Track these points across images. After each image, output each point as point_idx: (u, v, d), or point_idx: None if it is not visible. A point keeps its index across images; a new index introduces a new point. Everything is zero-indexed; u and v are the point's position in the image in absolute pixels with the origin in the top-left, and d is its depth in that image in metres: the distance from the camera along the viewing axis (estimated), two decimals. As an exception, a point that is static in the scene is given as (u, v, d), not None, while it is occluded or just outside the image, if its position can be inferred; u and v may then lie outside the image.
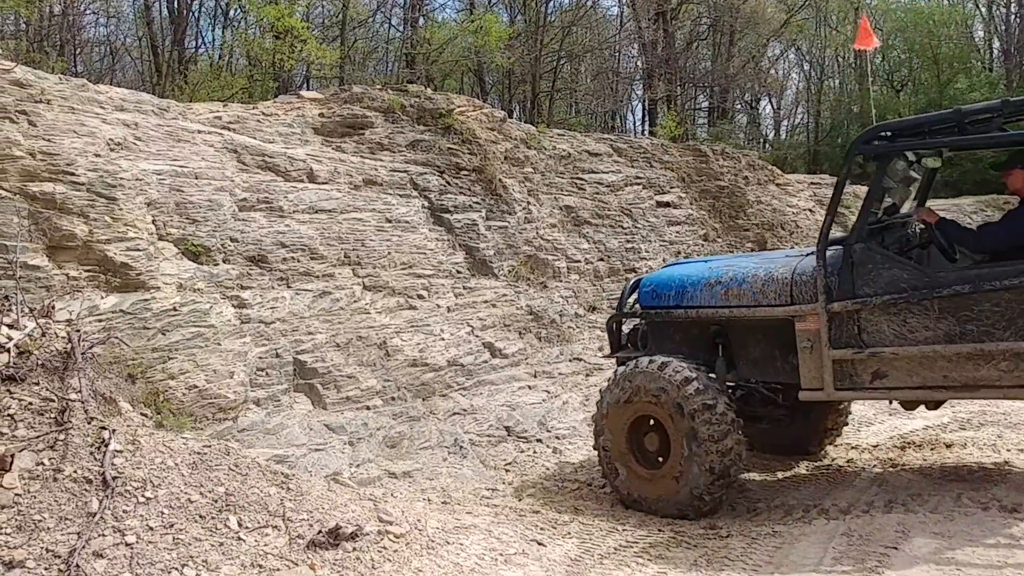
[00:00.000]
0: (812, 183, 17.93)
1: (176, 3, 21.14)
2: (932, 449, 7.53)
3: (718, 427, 6.11)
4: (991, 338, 5.49)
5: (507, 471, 7.35)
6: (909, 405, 6.62)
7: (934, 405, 6.55)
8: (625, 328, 7.49)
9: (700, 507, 6.18)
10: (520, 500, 6.74)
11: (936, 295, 5.62)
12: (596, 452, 6.75)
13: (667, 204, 13.46)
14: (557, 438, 8.00)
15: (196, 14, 22.71)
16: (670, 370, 6.29)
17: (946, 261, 6.03)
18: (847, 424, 7.93)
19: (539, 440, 7.91)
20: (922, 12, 30.38)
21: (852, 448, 7.84)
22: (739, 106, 33.24)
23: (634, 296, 7.38)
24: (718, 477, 6.12)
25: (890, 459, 7.39)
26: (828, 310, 5.95)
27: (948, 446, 7.53)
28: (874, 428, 8.51)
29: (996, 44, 30.35)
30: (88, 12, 22.73)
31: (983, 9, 31.19)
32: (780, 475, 7.28)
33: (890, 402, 6.93)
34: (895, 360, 5.80)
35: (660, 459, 6.39)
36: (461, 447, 7.45)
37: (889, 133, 6.20)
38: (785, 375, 6.39)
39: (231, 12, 22.78)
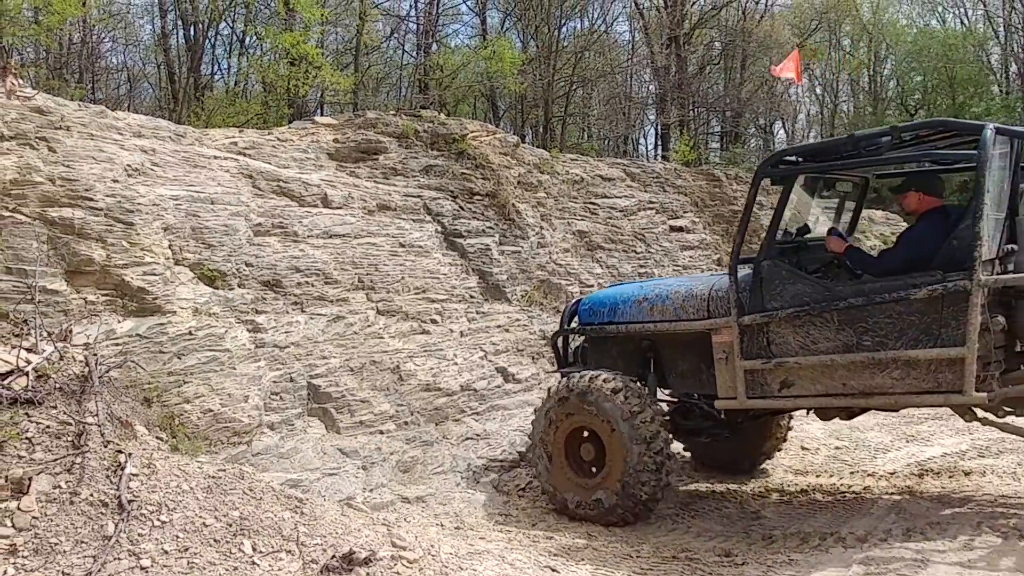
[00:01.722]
0: (826, 208, 17.89)
1: (193, 31, 21.36)
2: (951, 477, 7.47)
3: (647, 431, 6.49)
4: (884, 348, 5.84)
5: (520, 496, 7.32)
6: (824, 415, 6.85)
7: (847, 415, 6.80)
8: (573, 346, 7.91)
9: (635, 510, 6.56)
10: (533, 526, 6.72)
11: (834, 307, 5.99)
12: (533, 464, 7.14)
13: (680, 229, 13.46)
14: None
15: (212, 41, 22.95)
16: (599, 382, 6.69)
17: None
18: (786, 441, 8.22)
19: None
20: (936, 35, 30.42)
21: (869, 475, 7.79)
22: (752, 130, 33.30)
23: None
24: (650, 479, 6.48)
25: (908, 487, 7.34)
26: (739, 323, 6.33)
27: (967, 474, 7.47)
28: (891, 455, 8.45)
29: (1012, 67, 30.31)
30: (107, 40, 23.04)
31: (999, 32, 31.20)
32: (795, 502, 7.23)
33: (807, 412, 7.18)
34: (800, 369, 6.17)
35: (595, 469, 6.76)
36: (474, 472, 7.43)
37: (793, 157, 6.71)
38: (708, 387, 6.73)
39: (247, 39, 23.00)
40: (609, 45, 29.60)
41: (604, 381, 6.71)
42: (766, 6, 30.08)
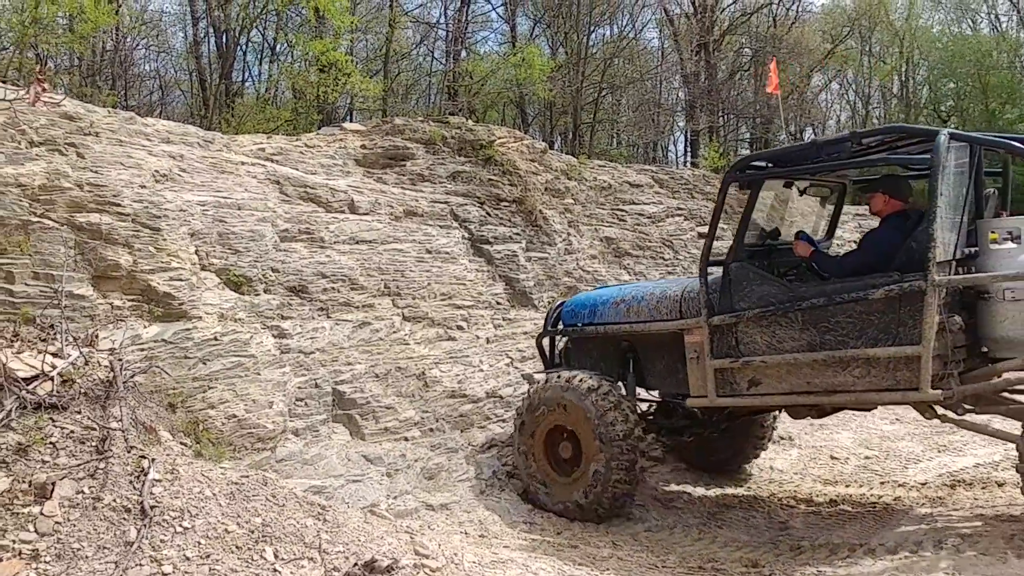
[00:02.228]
0: (857, 214, 17.70)
1: (224, 38, 21.53)
2: (983, 488, 7.34)
3: (620, 429, 6.75)
4: (845, 347, 6.02)
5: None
6: (794, 413, 7.09)
7: (818, 414, 7.07)
8: (559, 347, 8.19)
9: (609, 507, 6.83)
10: (558, 534, 6.67)
11: (798, 308, 6.20)
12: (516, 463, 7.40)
13: (709, 235, 13.33)
14: (596, 471, 7.89)
15: (243, 49, 23.13)
16: (576, 381, 7.01)
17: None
18: (771, 441, 8.47)
19: (578, 473, 7.81)
20: (969, 42, 30.01)
21: (899, 486, 7.67)
22: (782, 137, 33.04)
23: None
24: (623, 477, 6.75)
25: (939, 498, 7.22)
26: (709, 323, 6.57)
27: (1000, 484, 7.33)
28: (922, 465, 8.31)
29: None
30: (139, 47, 23.29)
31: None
32: (824, 512, 7.12)
33: (780, 411, 7.51)
34: (766, 368, 6.39)
35: (572, 466, 7.02)
36: (499, 479, 7.39)
37: (760, 163, 6.92)
38: (683, 386, 6.93)
39: (277, 47, 23.16)
40: (638, 52, 29.54)
41: (580, 381, 7.00)
42: (797, 12, 29.83)
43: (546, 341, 8.21)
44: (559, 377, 7.20)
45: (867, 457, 8.75)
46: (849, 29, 30.28)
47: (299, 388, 6.94)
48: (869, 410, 7.26)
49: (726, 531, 6.87)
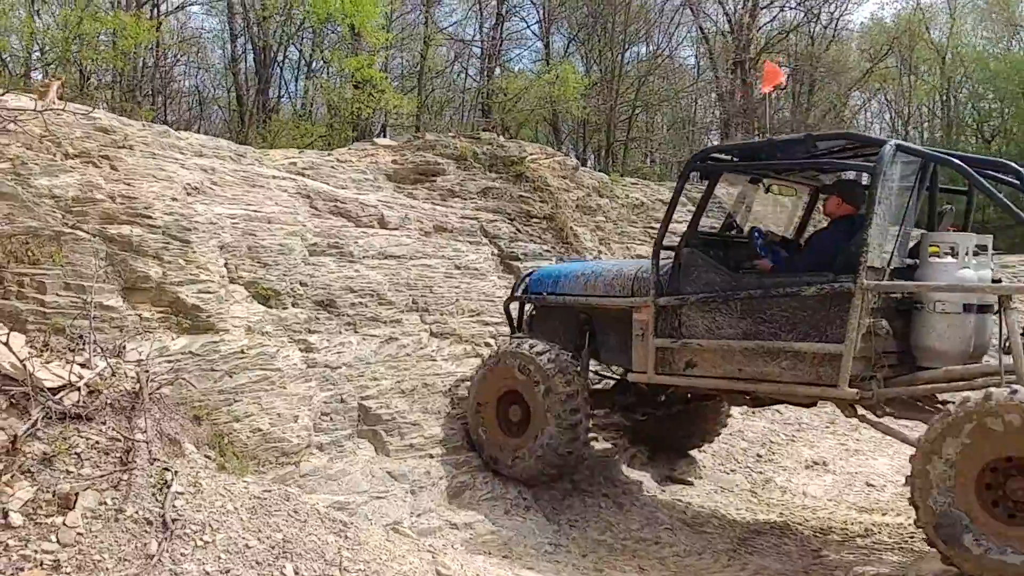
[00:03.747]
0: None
1: (262, 55, 21.79)
2: None
3: (568, 389, 7.00)
4: (776, 338, 6.24)
5: (572, 526, 7.16)
6: (731, 400, 7.47)
7: (753, 403, 7.37)
8: (527, 315, 8.38)
9: (553, 470, 7.14)
10: (584, 556, 6.57)
11: (738, 297, 6.42)
12: (469, 428, 7.61)
13: (743, 254, 13.20)
14: (623, 493, 7.78)
15: (280, 65, 23.38)
16: (526, 346, 7.27)
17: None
18: (725, 426, 8.67)
19: (604, 495, 7.70)
20: (1015, 60, 29.58)
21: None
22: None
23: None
24: (568, 442, 6.99)
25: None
26: (656, 303, 6.81)
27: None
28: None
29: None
30: (179, 63, 23.62)
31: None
32: (860, 542, 6.97)
33: (723, 400, 7.79)
34: (703, 351, 6.62)
35: (520, 430, 7.27)
36: (524, 499, 7.29)
37: (721, 155, 7.26)
38: (631, 362, 7.14)
39: (313, 63, 23.38)
40: (673, 70, 29.45)
41: (531, 347, 7.24)
42: (835, 30, 29.59)
43: (515, 308, 8.37)
44: (512, 343, 7.50)
45: (905, 484, 8.55)
46: (889, 47, 29.96)
47: (325, 403, 6.92)
48: (801, 405, 7.46)
49: (756, 558, 6.73)
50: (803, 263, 6.53)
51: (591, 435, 7.63)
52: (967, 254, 6.06)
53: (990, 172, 6.44)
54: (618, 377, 8.03)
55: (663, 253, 7.04)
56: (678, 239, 7.01)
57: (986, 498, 5.24)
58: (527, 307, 8.32)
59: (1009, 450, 5.13)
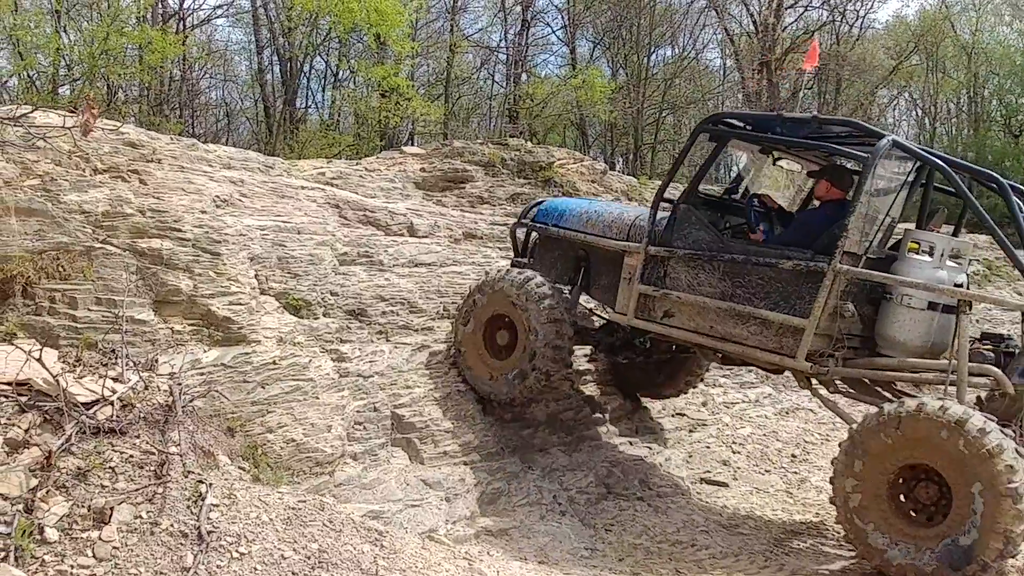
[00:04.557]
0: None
1: (289, 66, 21.91)
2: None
3: (554, 323, 7.29)
4: (749, 304, 6.59)
5: (608, 531, 7.10)
6: (703, 354, 7.76)
7: (723, 360, 7.64)
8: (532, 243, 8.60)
9: (534, 391, 7.47)
10: (620, 560, 6.50)
11: (722, 259, 6.72)
12: (453, 346, 7.93)
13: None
14: (659, 496, 7.71)
15: (307, 76, 23.51)
16: (520, 276, 7.54)
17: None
18: (702, 380, 9.00)
19: (640, 498, 7.63)
20: (1042, 54, 29.15)
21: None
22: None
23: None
24: (551, 366, 7.33)
25: None
26: (646, 251, 7.10)
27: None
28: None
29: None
30: (206, 76, 23.81)
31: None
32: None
33: (673, 347, 8.10)
34: (680, 304, 6.97)
35: (506, 353, 7.60)
36: (559, 504, 7.24)
37: (732, 121, 7.37)
38: (616, 303, 7.49)
39: (340, 73, 23.48)
40: (699, 72, 29.31)
41: (526, 277, 7.53)
42: (860, 29, 29.30)
43: (522, 234, 8.53)
44: (507, 271, 7.78)
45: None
46: (914, 45, 29.61)
47: (358, 412, 6.90)
48: (766, 371, 7.91)
49: (793, 559, 6.63)
50: (786, 238, 6.86)
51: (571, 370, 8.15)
52: (943, 255, 6.39)
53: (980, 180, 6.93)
54: (606, 319, 8.23)
55: (663, 206, 7.29)
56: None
57: (895, 500, 5.77)
58: (533, 236, 8.51)
59: (915, 458, 5.64)
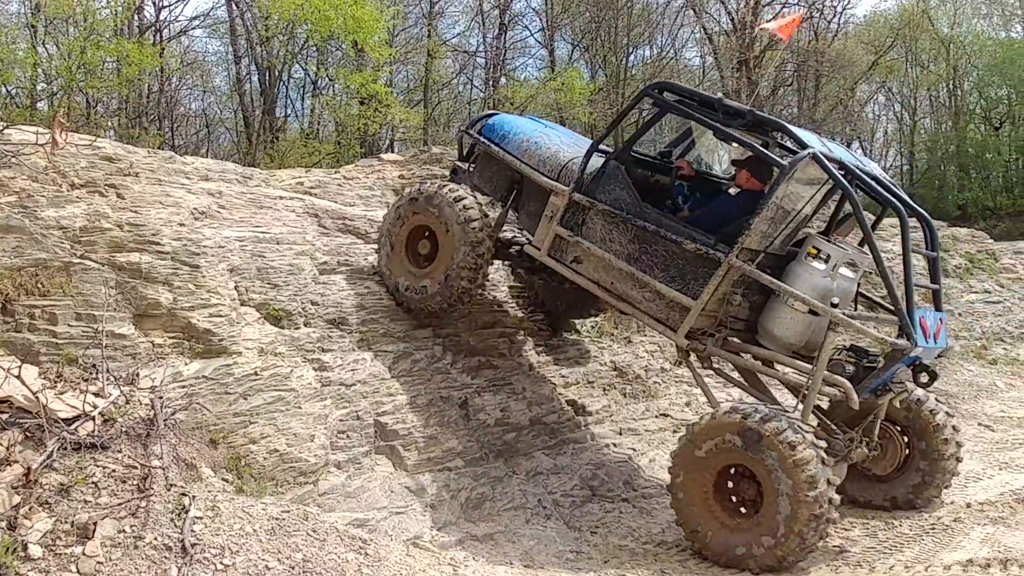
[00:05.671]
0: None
1: (267, 75, 21.90)
2: (1049, 505, 7.07)
3: (475, 236, 7.58)
4: (649, 272, 6.93)
5: (593, 533, 7.14)
6: (600, 304, 8.62)
7: (620, 312, 8.12)
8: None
9: (451, 299, 7.74)
10: (605, 563, 6.54)
11: (636, 223, 6.99)
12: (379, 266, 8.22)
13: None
14: (644, 497, 7.76)
15: (286, 85, 23.49)
16: (446, 190, 7.79)
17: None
18: (605, 312, 9.53)
19: (625, 500, 7.68)
20: (1020, 47, 29.41)
21: (961, 506, 7.41)
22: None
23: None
24: (468, 276, 7.64)
25: (1002, 517, 6.96)
26: (571, 196, 7.32)
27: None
28: (983, 484, 8.05)
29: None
30: (184, 88, 23.76)
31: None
32: (881, 535, 6.91)
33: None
34: (589, 254, 7.25)
35: (427, 262, 7.89)
36: (545, 508, 7.27)
37: (674, 93, 7.55)
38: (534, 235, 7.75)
39: (319, 81, 23.48)
40: (679, 71, 29.45)
41: (450, 191, 7.77)
42: (838, 25, 29.51)
43: (468, 141, 8.68)
44: (432, 184, 7.97)
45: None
46: (893, 39, 29.84)
47: (340, 421, 6.91)
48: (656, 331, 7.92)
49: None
50: (699, 218, 7.07)
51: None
52: (836, 267, 6.67)
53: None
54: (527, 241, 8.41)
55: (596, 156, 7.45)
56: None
57: (719, 495, 6.33)
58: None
59: (733, 460, 6.22)
